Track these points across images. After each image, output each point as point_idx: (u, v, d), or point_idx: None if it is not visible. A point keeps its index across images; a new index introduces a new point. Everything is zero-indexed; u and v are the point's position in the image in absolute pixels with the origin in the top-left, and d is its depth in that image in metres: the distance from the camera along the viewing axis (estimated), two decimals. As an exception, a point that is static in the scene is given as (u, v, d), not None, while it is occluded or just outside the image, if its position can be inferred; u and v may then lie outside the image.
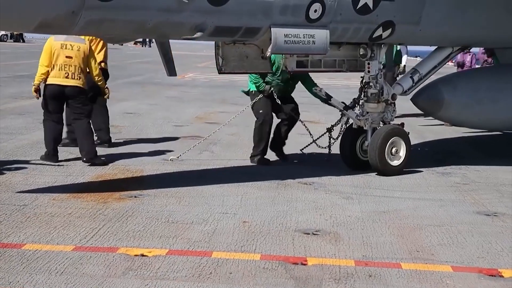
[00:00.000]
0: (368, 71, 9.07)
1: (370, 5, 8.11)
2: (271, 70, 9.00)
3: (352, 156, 9.20)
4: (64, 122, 9.35)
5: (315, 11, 7.73)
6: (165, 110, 15.31)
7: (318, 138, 9.75)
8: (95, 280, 4.82)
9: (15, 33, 57.59)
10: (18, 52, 42.27)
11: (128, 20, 6.86)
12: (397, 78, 13.60)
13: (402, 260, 5.53)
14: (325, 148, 9.59)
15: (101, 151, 9.34)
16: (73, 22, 6.49)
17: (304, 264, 5.34)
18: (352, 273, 5.19)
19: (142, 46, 68.04)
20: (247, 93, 9.63)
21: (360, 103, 9.25)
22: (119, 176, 8.28)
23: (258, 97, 9.32)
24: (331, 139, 9.55)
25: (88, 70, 9.02)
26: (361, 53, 8.96)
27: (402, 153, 8.97)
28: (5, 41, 60.87)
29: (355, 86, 9.51)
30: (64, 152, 9.40)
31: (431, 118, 12.22)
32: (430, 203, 7.57)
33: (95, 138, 9.63)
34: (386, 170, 8.85)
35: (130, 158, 9.39)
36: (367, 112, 9.12)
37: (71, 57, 8.84)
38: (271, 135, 9.60)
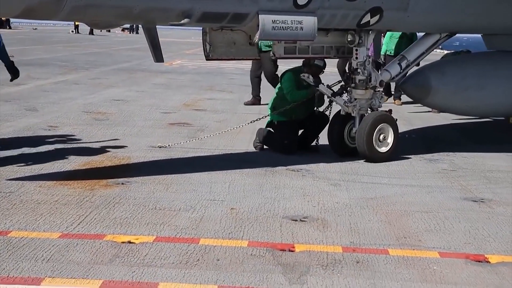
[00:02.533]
0: (356, 58, 9.06)
1: (358, -9, 8.08)
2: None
3: (340, 142, 9.18)
4: None
5: (303, -4, 7.70)
6: (153, 97, 15.24)
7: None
8: (82, 267, 4.80)
9: (1, 19, 56.98)
10: (4, 38, 41.93)
11: (114, 5, 6.79)
12: None
13: (389, 246, 5.55)
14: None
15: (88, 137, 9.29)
16: (58, 8, 6.42)
17: (292, 251, 5.34)
18: (340, 259, 5.20)
19: (130, 33, 67.68)
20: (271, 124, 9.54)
21: (348, 90, 9.23)
22: (106, 163, 8.24)
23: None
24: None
25: None
26: (349, 39, 8.94)
27: (390, 139, 8.97)
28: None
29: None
30: (54, 139, 9.37)
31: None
32: (418, 189, 7.58)
33: None
34: (374, 157, 8.85)
35: (117, 144, 9.35)
36: (355, 99, 9.11)
37: None
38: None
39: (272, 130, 9.48)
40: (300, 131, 9.58)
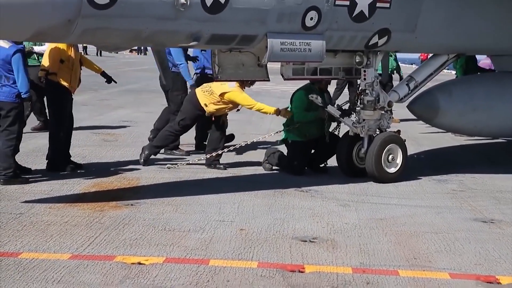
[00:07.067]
0: (364, 79, 9.08)
1: (366, 13, 8.12)
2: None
3: (349, 163, 9.18)
4: None
5: (311, 18, 7.75)
6: (161, 118, 15.23)
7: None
8: (92, 289, 4.82)
9: None
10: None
11: (124, 28, 6.84)
12: None
13: (399, 267, 5.53)
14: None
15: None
16: (69, 31, 6.47)
17: (302, 272, 5.34)
18: (350, 280, 5.19)
19: (138, 54, 67.96)
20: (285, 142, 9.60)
21: (357, 111, 9.25)
22: (115, 184, 8.27)
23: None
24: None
25: None
26: (357, 60, 8.97)
27: (399, 160, 8.98)
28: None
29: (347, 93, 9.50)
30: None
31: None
32: (427, 210, 7.57)
33: None
34: (382, 178, 8.85)
35: (126, 166, 9.38)
36: (364, 120, 9.12)
37: None
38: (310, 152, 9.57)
39: (281, 151, 9.49)
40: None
